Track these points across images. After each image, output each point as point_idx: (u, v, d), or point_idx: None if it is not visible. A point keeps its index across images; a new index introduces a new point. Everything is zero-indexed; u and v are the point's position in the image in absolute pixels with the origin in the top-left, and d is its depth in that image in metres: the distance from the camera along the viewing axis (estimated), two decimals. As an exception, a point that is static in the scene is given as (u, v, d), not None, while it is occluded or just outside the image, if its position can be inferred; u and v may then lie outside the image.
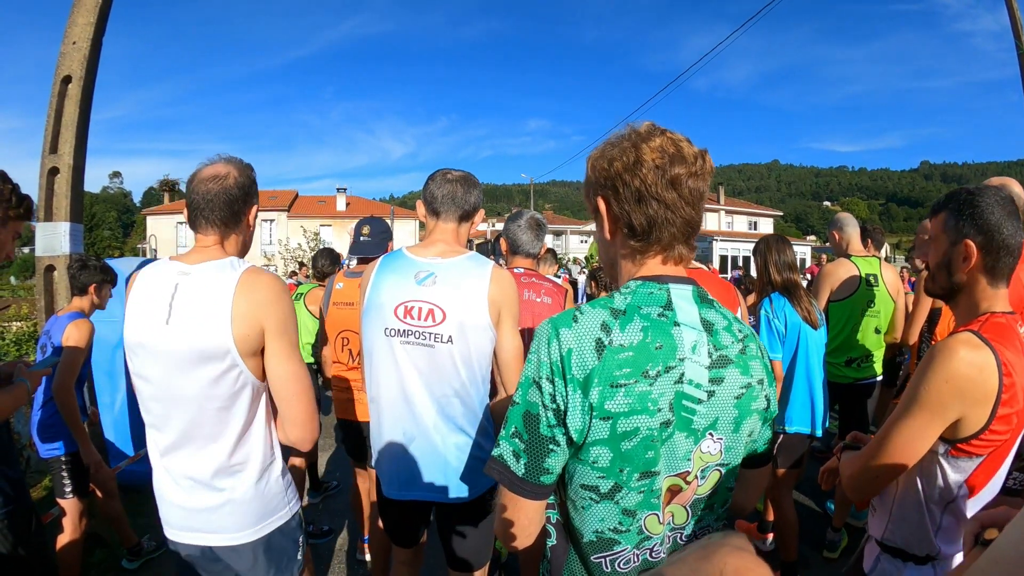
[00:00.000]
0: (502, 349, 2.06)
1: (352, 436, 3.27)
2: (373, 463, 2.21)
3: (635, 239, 1.15)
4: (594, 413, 1.05)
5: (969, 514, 1.47)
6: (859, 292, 3.73)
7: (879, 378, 3.93)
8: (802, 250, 42.58)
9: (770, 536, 3.82)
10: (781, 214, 67.63)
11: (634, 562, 1.16)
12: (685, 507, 1.17)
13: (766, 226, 51.40)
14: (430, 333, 2.00)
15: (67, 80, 4.69)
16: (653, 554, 1.16)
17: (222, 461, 1.65)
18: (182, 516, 1.70)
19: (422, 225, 2.41)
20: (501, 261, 3.45)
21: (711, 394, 1.11)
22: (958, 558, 1.50)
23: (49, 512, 3.39)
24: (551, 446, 1.09)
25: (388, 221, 3.52)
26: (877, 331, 3.78)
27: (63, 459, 3.17)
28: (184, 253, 1.70)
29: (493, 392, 2.19)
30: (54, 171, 4.61)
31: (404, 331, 2.01)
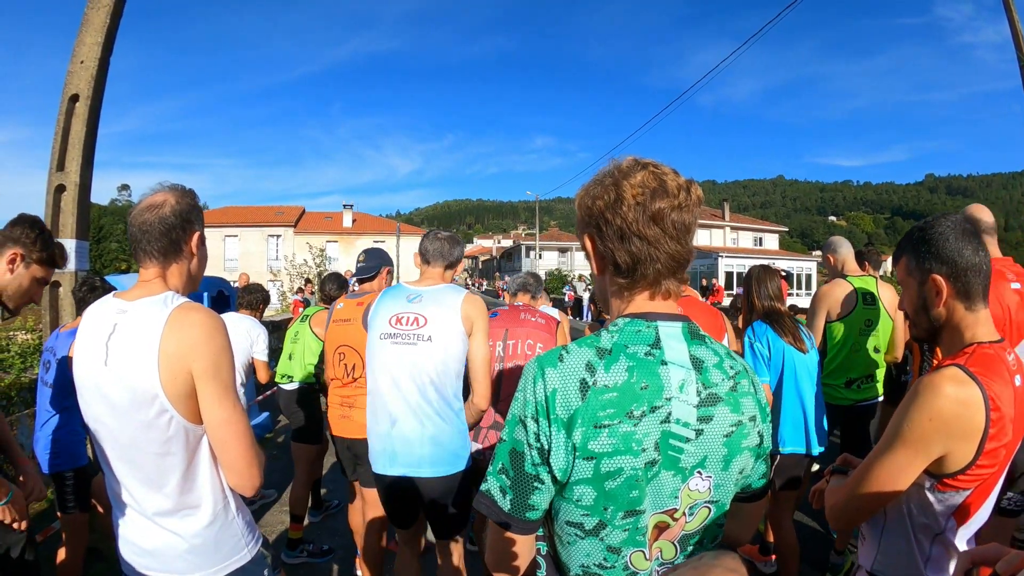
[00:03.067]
0: (473, 356, 2.60)
1: (344, 452, 3.45)
2: (369, 446, 2.67)
3: (621, 276, 1.15)
4: (577, 453, 1.06)
5: (959, 540, 1.46)
6: (856, 311, 3.71)
7: (880, 399, 3.87)
8: (808, 265, 42.49)
9: (772, 558, 3.78)
10: (786, 230, 67.57)
11: None
12: (673, 543, 1.16)
13: (771, 242, 51.32)
14: (415, 334, 2.53)
15: (75, 99, 4.74)
16: None
17: (168, 506, 1.58)
18: (137, 553, 1.65)
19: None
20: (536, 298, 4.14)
21: (699, 432, 1.10)
22: None
23: (50, 526, 3.38)
24: (536, 483, 1.10)
25: (385, 250, 3.88)
26: (876, 350, 3.75)
27: (66, 475, 3.15)
28: (128, 289, 1.64)
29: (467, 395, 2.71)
30: (60, 188, 4.65)
31: (394, 334, 2.56)
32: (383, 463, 2.60)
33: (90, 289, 3.27)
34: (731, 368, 1.16)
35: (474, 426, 2.90)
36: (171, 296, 1.59)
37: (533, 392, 1.10)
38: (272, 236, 44.56)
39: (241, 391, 4.55)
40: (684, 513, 1.13)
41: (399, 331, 2.55)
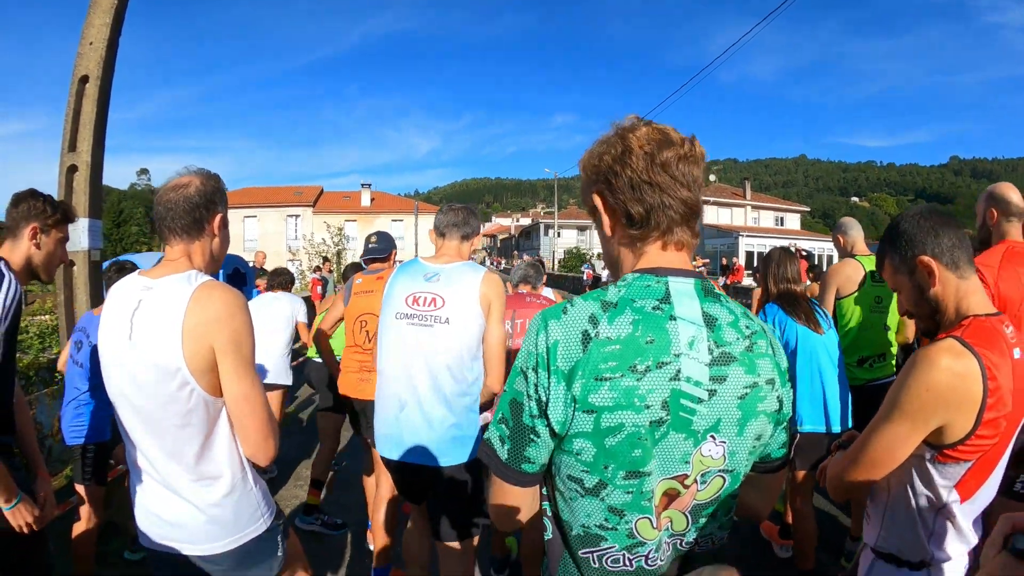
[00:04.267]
0: (489, 337, 2.48)
1: (361, 414, 3.56)
2: (374, 428, 2.62)
3: (634, 228, 1.13)
4: (577, 406, 1.03)
5: (964, 518, 1.47)
6: (864, 288, 3.69)
7: (894, 377, 3.73)
8: (829, 246, 41.78)
9: (790, 542, 3.72)
10: (808, 210, 66.52)
11: (626, 565, 1.11)
12: (684, 513, 1.12)
13: (793, 222, 50.63)
14: (432, 316, 2.43)
15: (84, 80, 4.74)
16: (649, 562, 1.11)
17: (187, 476, 1.64)
18: (157, 524, 1.71)
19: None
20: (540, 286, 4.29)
21: (712, 393, 1.05)
22: (952, 564, 1.51)
23: (68, 500, 3.45)
24: (532, 436, 1.08)
25: (392, 236, 4.14)
26: (887, 328, 3.73)
27: (88, 447, 3.30)
28: (152, 267, 1.71)
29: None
30: (72, 169, 4.67)
31: (410, 315, 2.46)
32: (389, 448, 2.53)
33: (118, 270, 3.39)
34: (747, 328, 1.12)
35: (485, 407, 2.84)
36: (195, 274, 1.65)
37: (535, 343, 1.08)
38: (291, 216, 44.79)
39: (288, 360, 5.12)
40: (696, 481, 1.09)
41: (415, 312, 2.47)
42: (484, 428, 2.65)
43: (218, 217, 1.75)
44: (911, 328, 3.81)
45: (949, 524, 1.47)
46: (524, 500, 1.17)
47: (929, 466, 1.44)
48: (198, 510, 1.66)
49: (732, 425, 1.08)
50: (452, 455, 2.45)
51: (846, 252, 3.97)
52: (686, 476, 1.08)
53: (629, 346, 1.03)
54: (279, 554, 1.86)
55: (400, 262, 3.05)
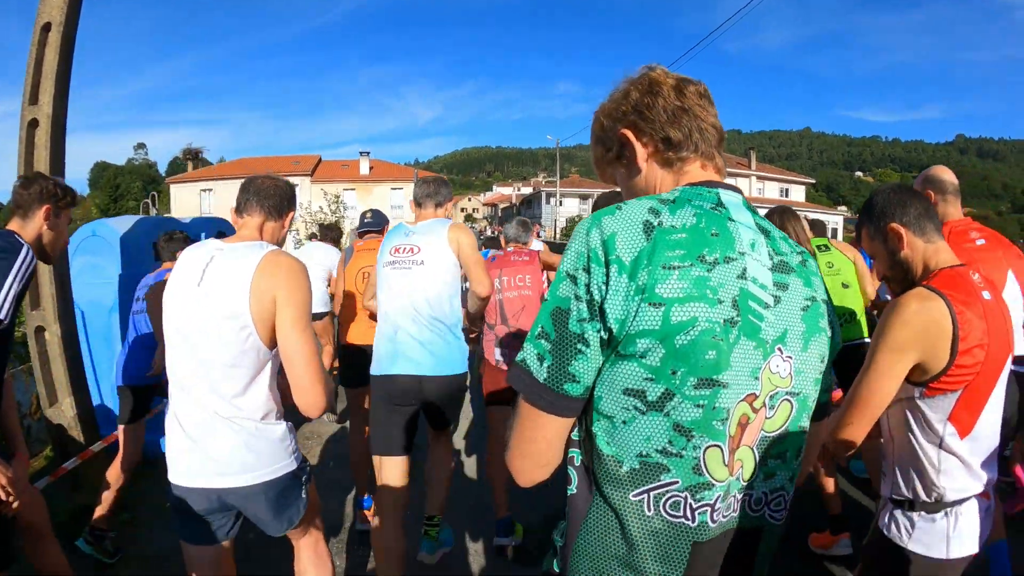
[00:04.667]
0: (466, 255, 2.93)
1: (350, 359, 3.92)
2: (373, 353, 2.99)
3: (673, 150, 1.08)
4: (644, 296, 0.90)
5: (969, 455, 1.59)
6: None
7: (867, 340, 3.88)
8: (834, 219, 41.53)
9: (847, 536, 3.42)
10: (813, 182, 65.91)
11: (685, 516, 0.95)
12: (752, 449, 0.99)
13: (798, 194, 50.14)
14: (410, 260, 2.92)
15: (47, 28, 4.37)
16: (714, 516, 0.96)
17: (228, 411, 1.85)
18: (194, 460, 1.88)
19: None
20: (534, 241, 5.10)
21: (777, 300, 0.98)
22: (968, 504, 1.62)
23: (112, 433, 3.96)
24: (579, 346, 0.94)
25: (384, 214, 4.61)
26: (846, 286, 3.91)
27: (137, 388, 3.68)
28: (227, 238, 2.04)
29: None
30: (34, 123, 4.33)
31: (394, 261, 2.95)
32: (386, 364, 2.91)
33: (168, 239, 3.89)
34: (796, 247, 1.10)
35: (475, 319, 3.45)
36: (265, 244, 2.00)
37: (586, 242, 0.95)
38: (289, 184, 44.19)
39: (326, 293, 5.89)
40: (764, 403, 0.98)
41: (398, 259, 2.95)
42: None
43: (291, 214, 2.19)
44: (871, 287, 4.03)
45: (954, 460, 1.58)
46: (557, 434, 0.99)
47: (920, 403, 1.59)
48: (234, 441, 1.86)
49: (797, 339, 1.00)
50: (442, 367, 2.90)
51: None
52: (755, 396, 0.96)
53: (695, 236, 0.94)
54: (303, 497, 2.04)
55: None
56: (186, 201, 43.42)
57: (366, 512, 3.81)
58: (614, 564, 0.97)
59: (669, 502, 0.93)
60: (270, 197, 2.09)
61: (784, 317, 0.98)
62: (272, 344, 1.88)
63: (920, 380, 1.57)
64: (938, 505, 1.61)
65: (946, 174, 2.83)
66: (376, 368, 2.96)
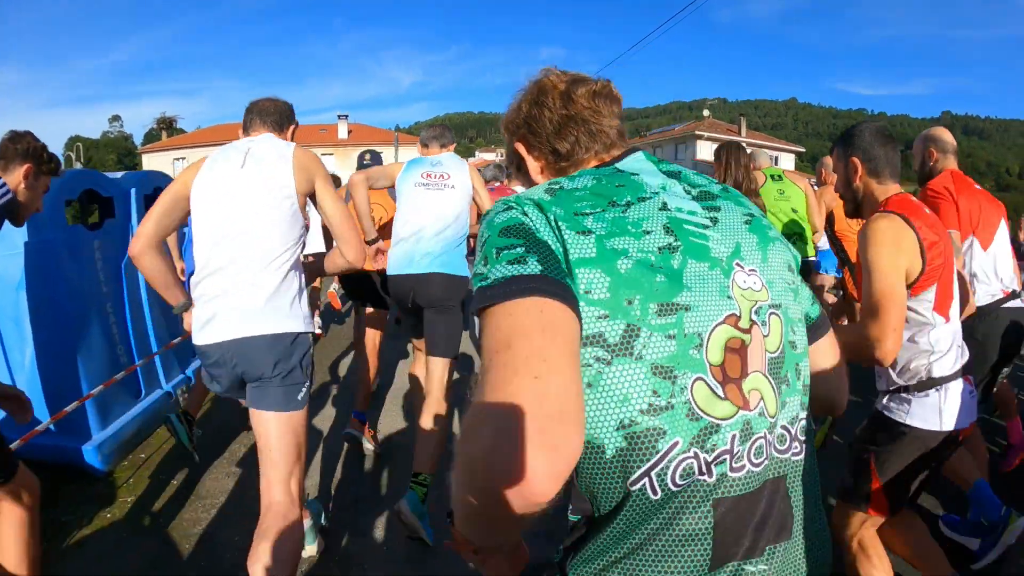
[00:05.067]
0: (477, 188, 3.50)
1: (354, 281, 4.16)
2: (389, 256, 3.39)
3: (564, 160, 1.06)
4: (569, 226, 0.82)
5: (955, 340, 1.97)
6: (767, 184, 4.65)
7: (812, 258, 4.91)
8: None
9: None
10: (803, 150, 65.52)
11: (704, 474, 0.76)
12: (766, 377, 0.84)
13: (787, 162, 49.43)
14: (444, 184, 3.42)
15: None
16: (735, 463, 0.78)
17: (259, 272, 2.10)
18: (227, 318, 2.09)
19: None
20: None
21: (715, 220, 0.92)
22: (955, 384, 1.94)
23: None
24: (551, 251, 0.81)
25: (381, 152, 5.03)
26: (795, 211, 4.53)
27: None
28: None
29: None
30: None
31: (427, 184, 3.42)
32: (403, 264, 3.30)
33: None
34: (712, 180, 1.04)
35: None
36: (285, 141, 2.34)
37: (488, 230, 0.86)
38: (265, 148, 42.64)
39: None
40: (754, 321, 0.85)
41: (430, 182, 3.39)
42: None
43: (292, 127, 2.49)
44: (819, 218, 4.70)
45: (943, 343, 1.92)
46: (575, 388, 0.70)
47: (911, 303, 1.89)
48: (262, 296, 2.09)
49: (753, 250, 0.92)
50: (452, 269, 3.30)
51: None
52: (736, 316, 0.84)
53: (599, 190, 0.90)
54: (311, 362, 2.26)
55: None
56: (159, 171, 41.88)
57: (355, 420, 4.01)
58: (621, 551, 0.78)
59: (679, 471, 0.75)
60: (271, 114, 2.39)
61: (729, 233, 0.91)
62: (305, 214, 2.27)
63: (907, 284, 1.85)
64: (931, 383, 1.91)
65: (947, 135, 3.14)
66: (391, 269, 3.36)
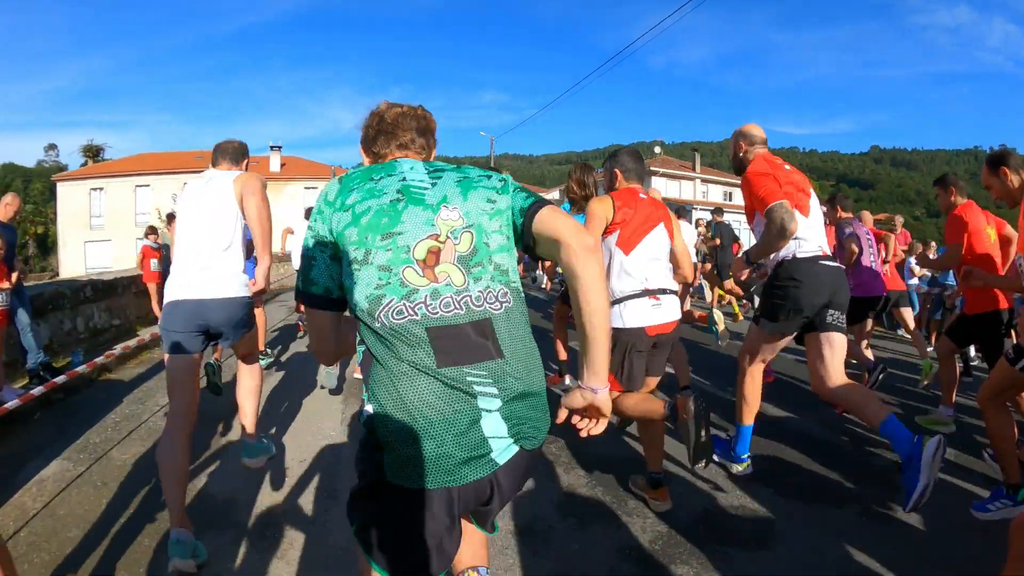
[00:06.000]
0: None
1: None
2: None
3: (379, 159, 1.72)
4: (339, 208, 1.48)
5: (631, 266, 3.23)
6: None
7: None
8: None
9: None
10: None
11: (409, 314, 1.39)
12: (454, 264, 1.44)
13: (740, 198, 48.64)
14: None
15: None
16: (430, 309, 1.40)
17: (219, 255, 3.12)
18: (198, 284, 3.06)
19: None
20: None
21: (434, 183, 1.52)
22: (636, 301, 3.18)
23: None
24: (312, 261, 1.52)
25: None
26: None
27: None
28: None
29: None
30: None
31: None
32: None
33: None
34: (453, 167, 1.61)
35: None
36: (237, 172, 3.36)
37: (318, 202, 1.56)
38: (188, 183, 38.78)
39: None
40: (448, 237, 1.45)
41: None
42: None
43: (246, 160, 3.57)
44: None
45: (616, 268, 3.15)
46: (326, 327, 1.59)
47: (609, 242, 3.20)
48: (223, 271, 3.10)
49: (457, 196, 1.50)
50: None
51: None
52: (437, 235, 1.45)
53: (367, 172, 1.55)
54: (253, 321, 3.37)
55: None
56: (75, 202, 38.20)
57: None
58: (390, 367, 1.40)
59: (394, 311, 1.39)
60: (231, 152, 3.49)
61: (442, 189, 1.51)
62: (243, 217, 3.23)
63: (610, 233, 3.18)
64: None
65: (756, 129, 3.66)
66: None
